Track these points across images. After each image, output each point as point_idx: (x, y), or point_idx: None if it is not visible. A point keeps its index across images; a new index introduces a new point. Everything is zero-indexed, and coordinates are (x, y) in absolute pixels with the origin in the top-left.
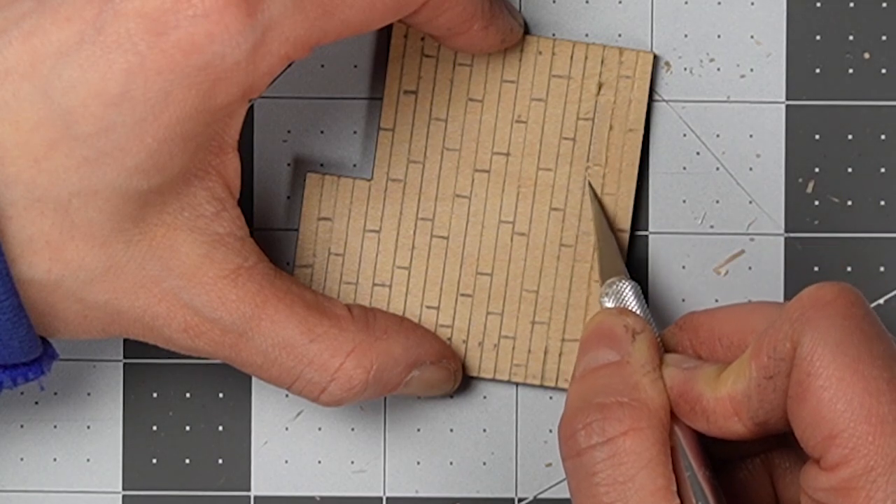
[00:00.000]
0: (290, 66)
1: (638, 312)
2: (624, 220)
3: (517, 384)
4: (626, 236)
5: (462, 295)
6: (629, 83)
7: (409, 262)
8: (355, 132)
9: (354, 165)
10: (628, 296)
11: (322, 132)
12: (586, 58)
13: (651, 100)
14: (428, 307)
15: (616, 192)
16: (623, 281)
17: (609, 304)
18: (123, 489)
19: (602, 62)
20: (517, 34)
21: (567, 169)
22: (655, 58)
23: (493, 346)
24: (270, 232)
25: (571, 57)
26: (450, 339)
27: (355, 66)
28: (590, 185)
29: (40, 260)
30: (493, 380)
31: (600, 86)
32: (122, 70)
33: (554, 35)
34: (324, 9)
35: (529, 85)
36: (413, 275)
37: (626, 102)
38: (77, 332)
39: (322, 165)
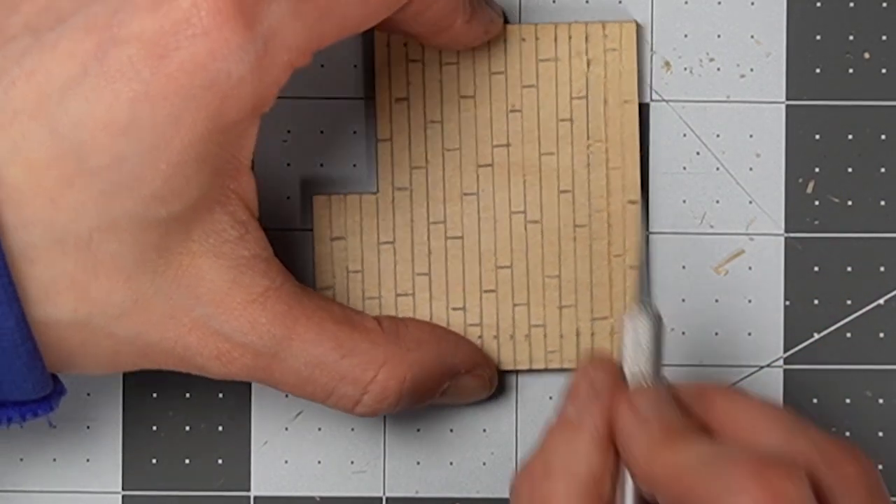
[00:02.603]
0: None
1: (644, 354)
2: (633, 191)
3: (544, 370)
4: (637, 207)
5: (486, 291)
6: (617, 55)
7: (428, 267)
8: (355, 132)
9: (354, 165)
10: (642, 334)
11: (322, 132)
12: (570, 37)
13: (650, 98)
14: (454, 309)
15: (622, 164)
16: (642, 315)
17: (628, 328)
18: (123, 489)
19: (586, 39)
20: (498, 25)
21: (569, 150)
22: (638, 26)
23: (525, 336)
24: (270, 232)
25: (555, 39)
26: (480, 337)
27: (355, 66)
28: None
29: (65, 300)
30: (530, 370)
31: (588, 62)
32: (128, 99)
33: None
34: (320, 11)
35: (518, 73)
36: (434, 279)
37: (617, 75)
38: (108, 368)
39: (322, 165)
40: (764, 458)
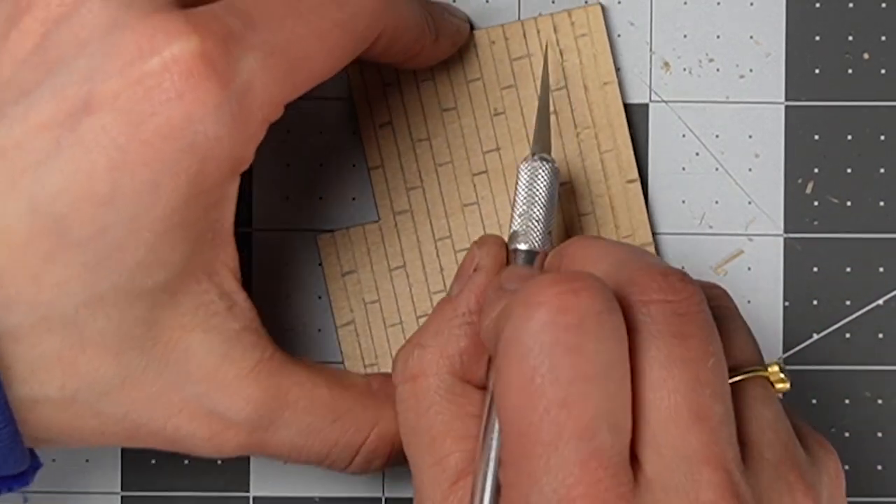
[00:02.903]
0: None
1: (539, 203)
2: (630, 171)
3: None
4: (637, 185)
5: None
6: (587, 41)
7: (444, 284)
8: (354, 132)
9: (354, 165)
10: (538, 183)
11: (321, 133)
12: (538, 31)
13: (649, 99)
14: None
15: (614, 146)
16: (540, 160)
17: (523, 175)
18: (123, 489)
19: (555, 30)
20: (465, 31)
21: (559, 142)
22: (603, 8)
23: None
24: (270, 232)
25: (524, 35)
26: None
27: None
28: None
29: (52, 377)
30: None
31: (562, 53)
32: (107, 168)
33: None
34: (289, 64)
35: (495, 76)
36: None
37: (592, 59)
38: (92, 444)
39: (322, 165)
40: (559, 275)
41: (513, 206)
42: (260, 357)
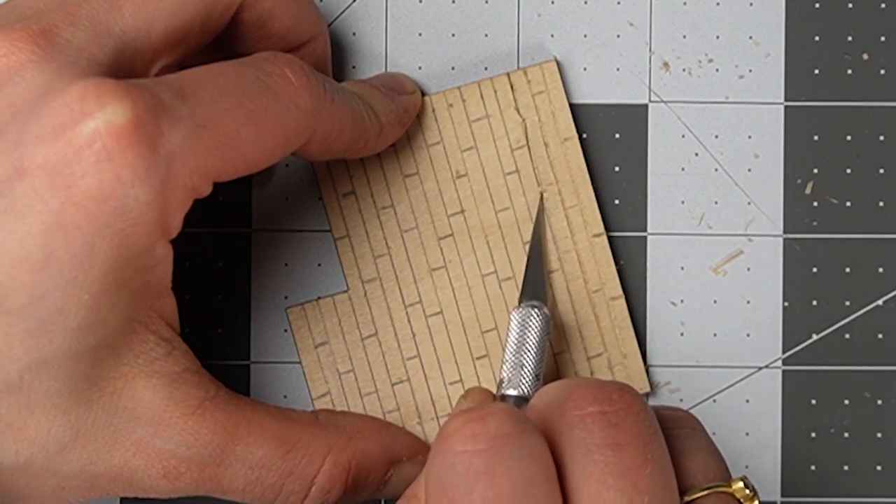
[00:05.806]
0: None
1: (529, 353)
2: (595, 225)
3: None
4: (603, 239)
5: (478, 358)
6: (545, 97)
7: (416, 349)
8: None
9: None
10: (529, 332)
11: (286, 264)
12: (496, 91)
13: (648, 100)
14: (451, 383)
15: (578, 201)
16: (530, 308)
17: (514, 325)
18: None
19: (512, 88)
20: (414, 107)
21: (523, 201)
22: (557, 62)
23: None
24: (270, 233)
25: (482, 96)
26: None
27: (354, 68)
28: (541, 197)
29: (4, 445)
30: None
31: (520, 111)
32: (41, 232)
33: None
34: (219, 140)
35: (455, 139)
36: (425, 360)
37: (550, 116)
38: None
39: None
40: (469, 408)
41: (503, 353)
42: (204, 396)
